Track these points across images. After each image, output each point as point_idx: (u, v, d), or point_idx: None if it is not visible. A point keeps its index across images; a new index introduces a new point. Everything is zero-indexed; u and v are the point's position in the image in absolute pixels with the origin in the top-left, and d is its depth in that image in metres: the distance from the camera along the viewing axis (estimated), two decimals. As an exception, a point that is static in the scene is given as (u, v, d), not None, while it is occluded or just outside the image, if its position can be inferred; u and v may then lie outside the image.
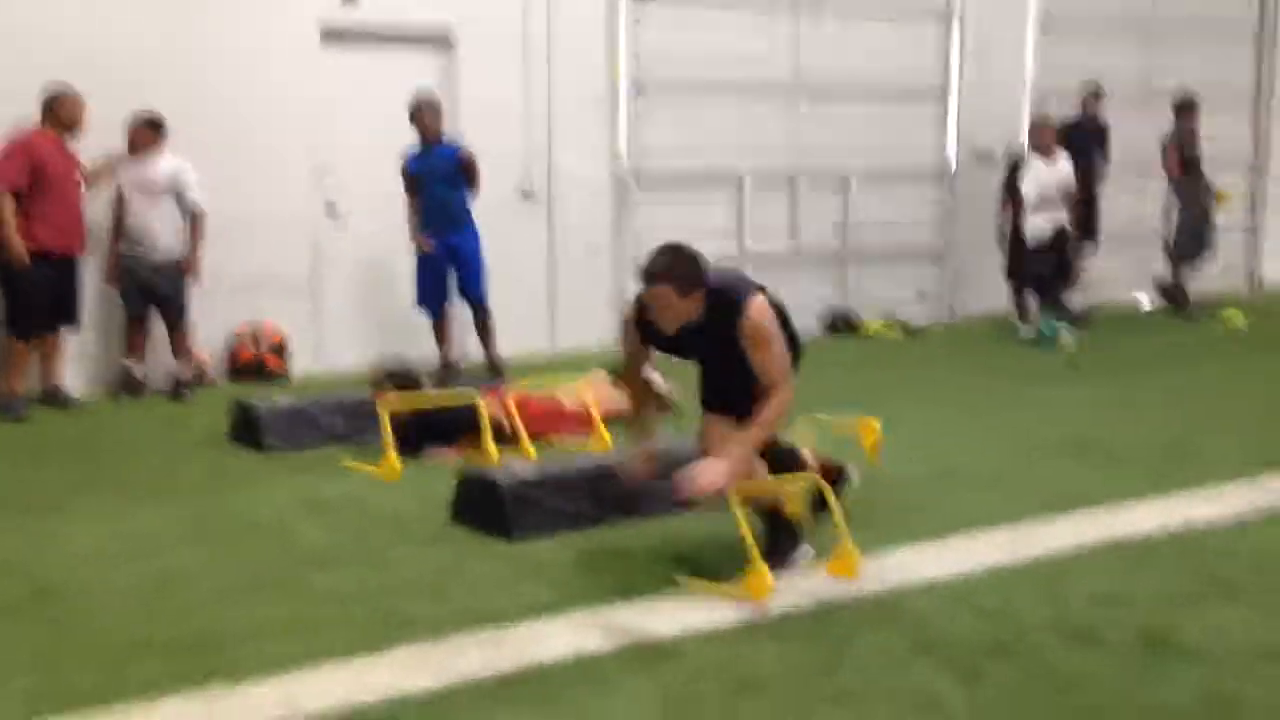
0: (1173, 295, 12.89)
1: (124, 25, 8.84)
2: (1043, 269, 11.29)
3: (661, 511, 5.72)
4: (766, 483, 5.03)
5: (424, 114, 9.02)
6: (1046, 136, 11.19)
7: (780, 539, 5.09)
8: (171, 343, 8.74)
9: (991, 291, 12.82)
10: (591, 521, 5.66)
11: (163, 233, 8.58)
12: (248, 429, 7.34)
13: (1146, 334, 11.71)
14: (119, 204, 8.62)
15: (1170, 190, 12.86)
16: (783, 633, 4.42)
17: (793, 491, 5.02)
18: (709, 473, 4.74)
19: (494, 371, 9.19)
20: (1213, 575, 4.99)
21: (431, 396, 7.27)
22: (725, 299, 4.89)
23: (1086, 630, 4.38)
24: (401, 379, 7.31)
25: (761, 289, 5.00)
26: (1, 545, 5.48)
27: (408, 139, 9.15)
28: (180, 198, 8.60)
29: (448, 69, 10.11)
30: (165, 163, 8.58)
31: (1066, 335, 10.86)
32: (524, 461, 6.32)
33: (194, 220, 8.67)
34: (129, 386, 8.69)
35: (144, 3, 8.97)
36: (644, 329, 5.09)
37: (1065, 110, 12.30)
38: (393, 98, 9.37)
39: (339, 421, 7.46)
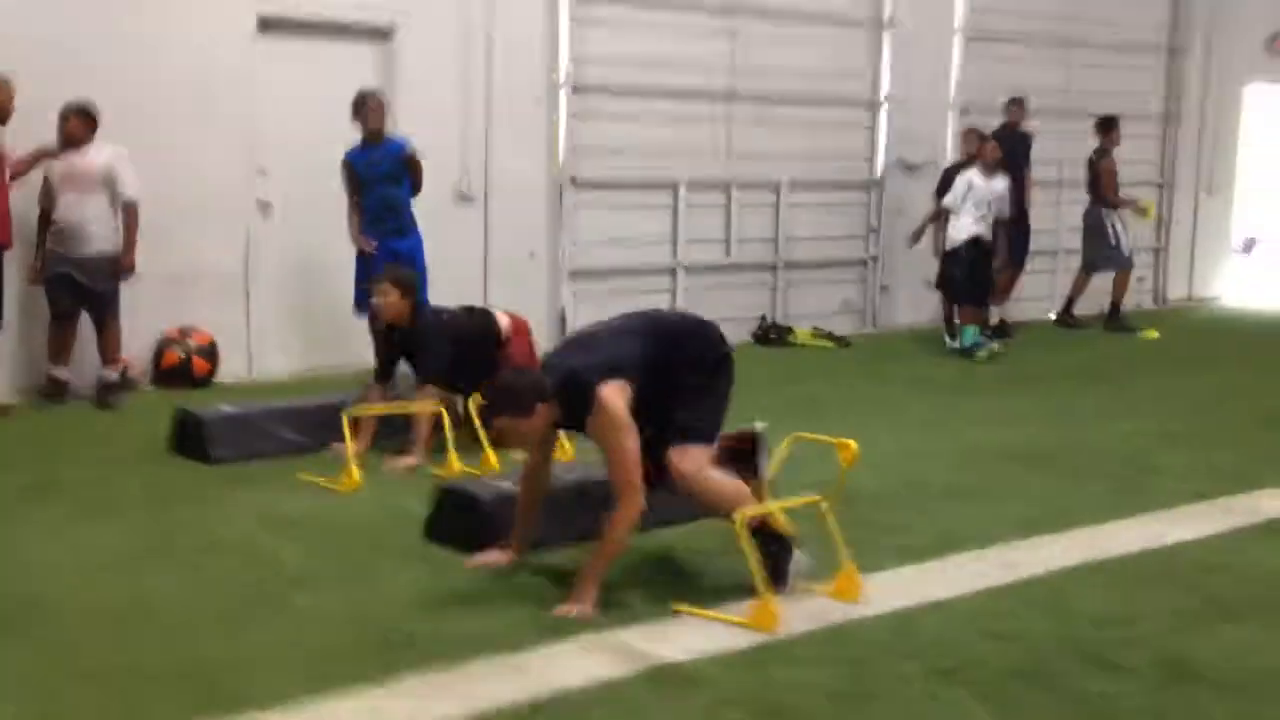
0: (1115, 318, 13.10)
1: (55, 10, 8.45)
2: (956, 272, 11.26)
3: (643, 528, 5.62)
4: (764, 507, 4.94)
5: (369, 109, 8.72)
6: (990, 152, 11.18)
7: (775, 555, 4.94)
8: (100, 345, 8.33)
9: (913, 303, 12.95)
10: (575, 538, 5.49)
11: (95, 227, 8.16)
12: (191, 439, 7.03)
13: (1065, 348, 11.82)
14: (46, 197, 8.20)
15: (1096, 209, 13.06)
16: (800, 658, 4.32)
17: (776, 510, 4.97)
18: (575, 612, 4.65)
19: None
20: (1208, 595, 5.01)
21: (395, 405, 7.05)
22: (575, 393, 4.75)
23: (1103, 654, 4.36)
24: (405, 282, 7.23)
25: (614, 370, 4.78)
26: (-47, 559, 5.18)
27: (344, 133, 8.85)
28: (114, 190, 8.21)
29: (385, 63, 9.86)
30: (99, 153, 8.18)
31: (984, 347, 10.95)
32: (500, 476, 6.10)
33: (128, 214, 8.28)
34: (53, 392, 8.28)
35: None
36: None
37: (987, 122, 12.38)
38: (329, 91, 9.10)
39: (287, 431, 7.19)
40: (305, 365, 9.58)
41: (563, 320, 10.72)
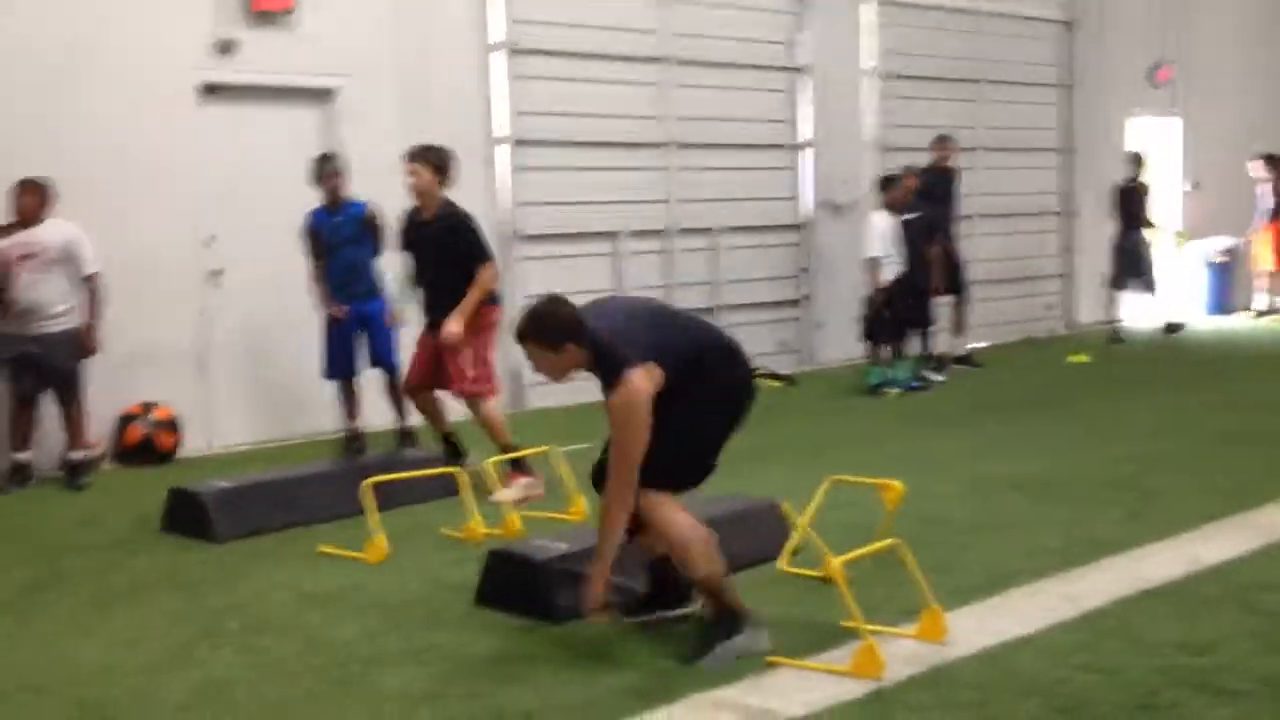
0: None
1: (-2, 84, 8.19)
2: (885, 312, 11.35)
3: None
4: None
5: (327, 173, 8.57)
6: (900, 195, 11.34)
7: (716, 628, 4.79)
8: (66, 425, 8.03)
9: (843, 340, 13.10)
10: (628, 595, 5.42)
11: (55, 304, 7.89)
12: (190, 517, 6.78)
13: (1006, 378, 12.07)
14: (2, 276, 7.88)
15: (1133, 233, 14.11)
16: (919, 704, 4.29)
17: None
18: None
19: (406, 438, 8.77)
20: (1272, 613, 5.10)
21: (415, 474, 6.91)
22: (607, 363, 4.66)
23: (1207, 681, 4.39)
24: (437, 160, 7.47)
25: (654, 353, 4.68)
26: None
27: (290, 195, 8.69)
28: (74, 267, 7.93)
29: (327, 124, 9.71)
30: (54, 230, 7.92)
31: (896, 386, 11.13)
32: (547, 538, 5.96)
33: (91, 291, 8.00)
34: (18, 478, 7.93)
35: (12, 66, 8.29)
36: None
37: (903, 161, 12.56)
38: (273, 155, 8.99)
39: (285, 503, 6.98)
40: (266, 435, 9.35)
41: (517, 379, 10.59)
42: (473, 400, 7.54)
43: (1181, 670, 4.52)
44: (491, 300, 7.60)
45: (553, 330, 4.70)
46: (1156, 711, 4.18)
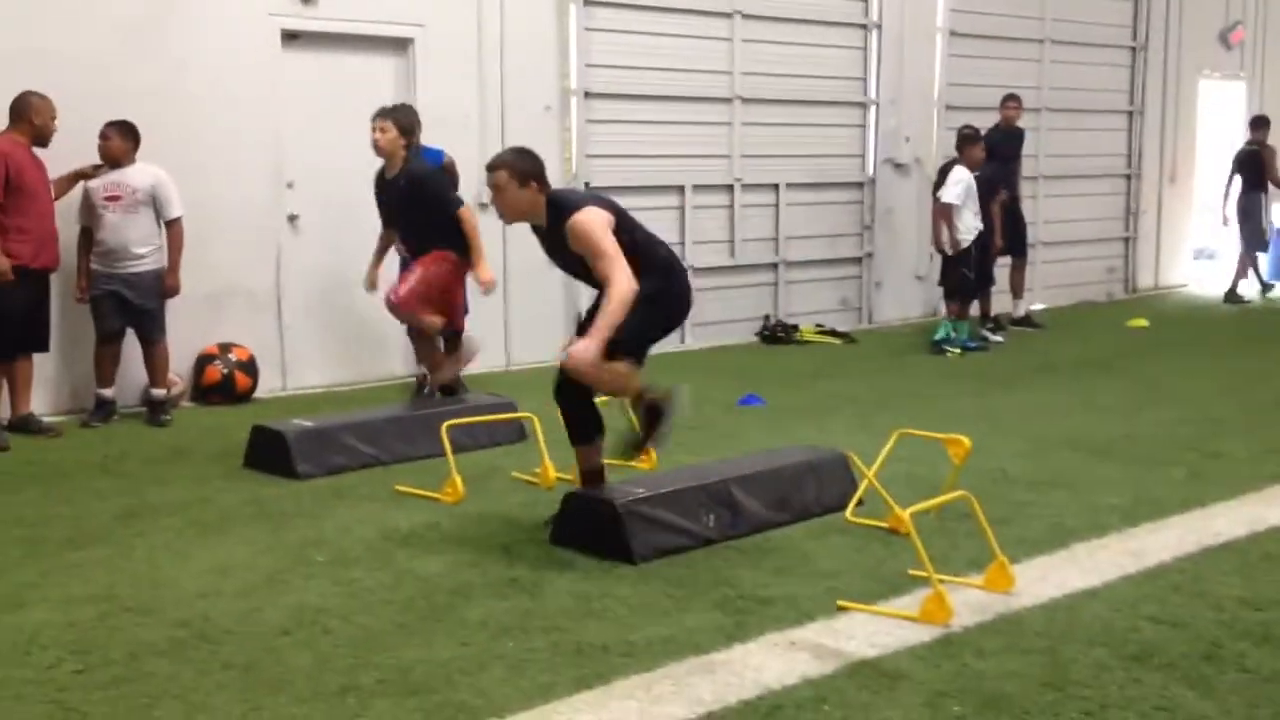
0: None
1: (81, 28, 8.34)
2: (966, 270, 11.44)
3: (766, 525, 5.77)
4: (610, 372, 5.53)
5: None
6: (977, 155, 11.38)
7: (653, 415, 5.77)
8: (148, 363, 8.26)
9: (901, 299, 13.22)
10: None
11: (140, 245, 8.11)
12: (273, 455, 6.99)
13: (1063, 340, 12.11)
14: (90, 216, 8.11)
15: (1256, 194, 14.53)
16: (989, 650, 4.42)
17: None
18: (579, 348, 5.41)
19: (452, 390, 9.00)
20: (1334, 573, 5.22)
21: (491, 418, 7.12)
22: (559, 207, 5.54)
23: (1271, 634, 4.52)
24: (403, 120, 7.75)
25: (607, 205, 5.60)
26: (100, 583, 5.14)
27: (367, 144, 8.80)
28: (159, 209, 8.14)
29: (404, 73, 9.86)
30: (142, 173, 8.12)
31: (956, 343, 11.21)
32: (625, 482, 6.11)
33: (174, 233, 8.21)
34: (102, 412, 8.18)
35: (99, 12, 8.47)
36: (535, 233, 5.80)
37: (968, 120, 12.58)
38: (350, 102, 9.12)
39: (362, 444, 7.18)
40: (339, 378, 9.56)
41: (578, 320, 10.73)
42: (395, 308, 7.70)
43: (1245, 623, 4.64)
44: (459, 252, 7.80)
45: (528, 166, 5.56)
46: (1222, 662, 4.30)
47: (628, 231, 5.59)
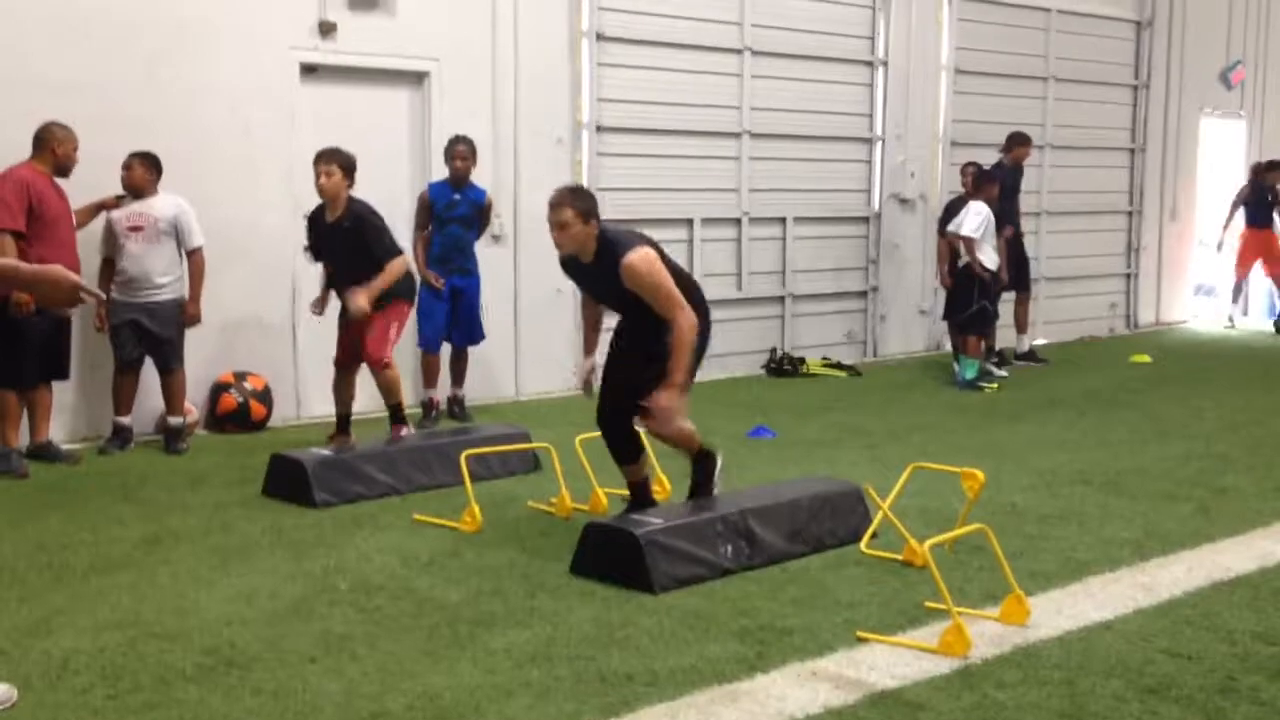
0: None
1: (98, 59, 8.46)
2: (985, 303, 11.47)
3: (783, 557, 5.85)
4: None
5: (457, 153, 9.11)
6: (994, 190, 11.49)
7: (704, 468, 6.24)
8: (166, 390, 8.33)
9: (905, 332, 13.32)
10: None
11: (162, 275, 8.20)
12: (289, 483, 7.07)
13: (1065, 375, 12.19)
14: (112, 245, 8.21)
15: None
16: (1007, 681, 4.50)
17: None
18: (664, 403, 5.74)
19: (456, 405, 9.26)
20: (1343, 609, 5.29)
21: (510, 448, 7.22)
22: (612, 244, 5.86)
23: (1281, 668, 4.61)
24: (347, 163, 8.02)
25: (651, 243, 5.91)
26: (127, 609, 5.20)
27: (383, 175, 9.06)
28: (181, 238, 8.24)
29: (419, 106, 9.98)
30: (164, 202, 8.23)
31: (993, 378, 11.28)
32: (645, 512, 6.19)
33: (196, 263, 8.31)
34: (119, 440, 8.25)
35: (126, 41, 8.59)
36: (565, 265, 6.15)
37: (973, 156, 12.68)
38: (366, 134, 9.28)
39: (379, 473, 7.25)
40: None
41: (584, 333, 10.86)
42: (375, 367, 8.09)
43: (1258, 657, 4.72)
44: (406, 297, 8.21)
45: (590, 206, 5.90)
46: (1237, 695, 4.38)
47: (669, 267, 5.84)
